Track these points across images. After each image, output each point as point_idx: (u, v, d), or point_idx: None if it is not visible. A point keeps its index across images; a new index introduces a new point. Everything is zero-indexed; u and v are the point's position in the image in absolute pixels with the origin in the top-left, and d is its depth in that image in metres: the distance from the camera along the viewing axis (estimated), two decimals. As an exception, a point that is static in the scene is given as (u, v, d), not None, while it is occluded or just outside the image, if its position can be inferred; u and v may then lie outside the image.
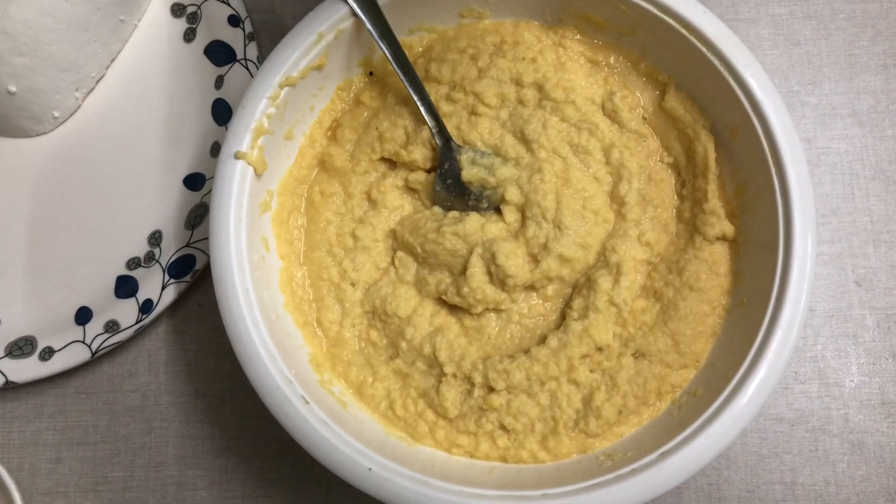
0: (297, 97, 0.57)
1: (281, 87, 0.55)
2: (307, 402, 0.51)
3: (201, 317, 0.65)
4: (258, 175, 0.55)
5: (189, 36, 0.68)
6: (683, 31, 0.55)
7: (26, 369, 0.62)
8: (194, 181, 0.65)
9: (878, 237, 0.64)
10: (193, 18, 0.68)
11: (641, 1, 0.55)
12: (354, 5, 0.55)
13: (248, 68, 0.65)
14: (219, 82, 0.66)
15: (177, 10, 0.68)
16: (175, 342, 0.65)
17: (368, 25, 0.56)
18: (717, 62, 0.55)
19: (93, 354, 0.62)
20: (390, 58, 0.56)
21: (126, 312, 0.63)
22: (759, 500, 0.61)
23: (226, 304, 0.52)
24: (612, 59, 0.60)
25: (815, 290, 0.64)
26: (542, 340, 0.56)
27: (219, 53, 0.66)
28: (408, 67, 0.57)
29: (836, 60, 0.67)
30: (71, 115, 0.67)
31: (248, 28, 0.66)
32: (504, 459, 0.55)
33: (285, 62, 0.55)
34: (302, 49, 0.55)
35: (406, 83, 0.57)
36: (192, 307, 0.65)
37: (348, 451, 0.50)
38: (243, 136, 0.54)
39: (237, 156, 0.54)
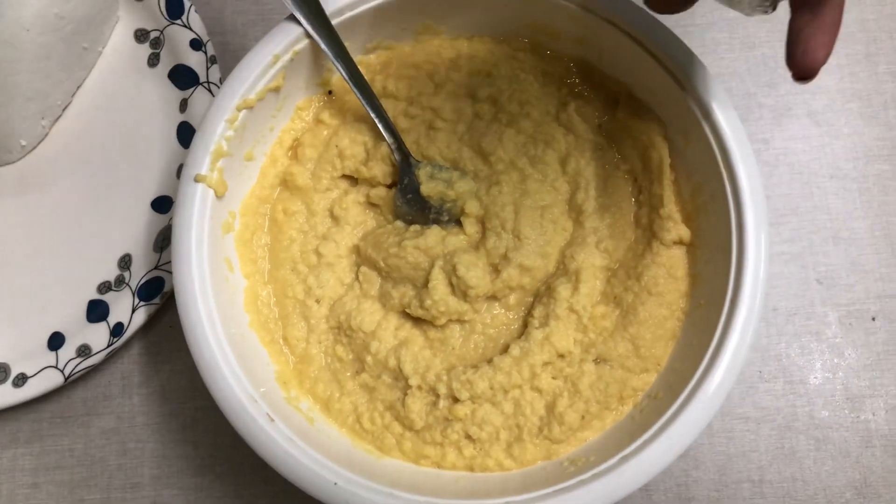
0: (256, 119, 0.58)
1: (238, 109, 0.56)
2: (272, 420, 0.52)
3: (172, 337, 0.66)
4: (219, 197, 0.56)
5: (153, 61, 0.69)
6: (632, 42, 0.56)
7: (0, 396, 0.62)
8: (161, 204, 0.66)
9: (837, 234, 0.65)
10: (157, 43, 0.68)
11: (590, 13, 0.56)
12: (308, 27, 0.56)
13: (210, 91, 0.66)
14: (183, 105, 0.67)
15: (140, 36, 0.69)
16: (148, 364, 0.66)
17: (323, 46, 0.57)
18: (666, 71, 0.55)
19: (66, 379, 0.62)
20: (346, 77, 0.57)
21: (98, 336, 0.63)
22: (728, 499, 0.61)
23: (189, 327, 0.53)
24: (565, 70, 0.61)
25: (777, 288, 0.64)
26: (506, 349, 0.57)
27: (182, 77, 0.67)
28: (364, 86, 0.58)
29: (792, 62, 0.68)
30: (39, 142, 0.68)
31: (210, 51, 0.67)
32: (471, 469, 0.56)
33: (242, 85, 0.56)
34: (258, 72, 0.56)
35: (363, 102, 0.58)
36: (163, 328, 0.66)
37: (314, 467, 0.51)
38: (202, 159, 0.55)
39: (197, 179, 0.55)
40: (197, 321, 0.53)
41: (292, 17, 0.56)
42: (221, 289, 0.56)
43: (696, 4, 0.69)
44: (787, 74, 0.67)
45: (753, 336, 0.52)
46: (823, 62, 0.42)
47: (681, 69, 0.55)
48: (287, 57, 0.57)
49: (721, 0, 0.38)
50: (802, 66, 0.43)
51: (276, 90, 0.58)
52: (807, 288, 0.64)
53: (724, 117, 0.54)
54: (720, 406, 0.51)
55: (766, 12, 0.42)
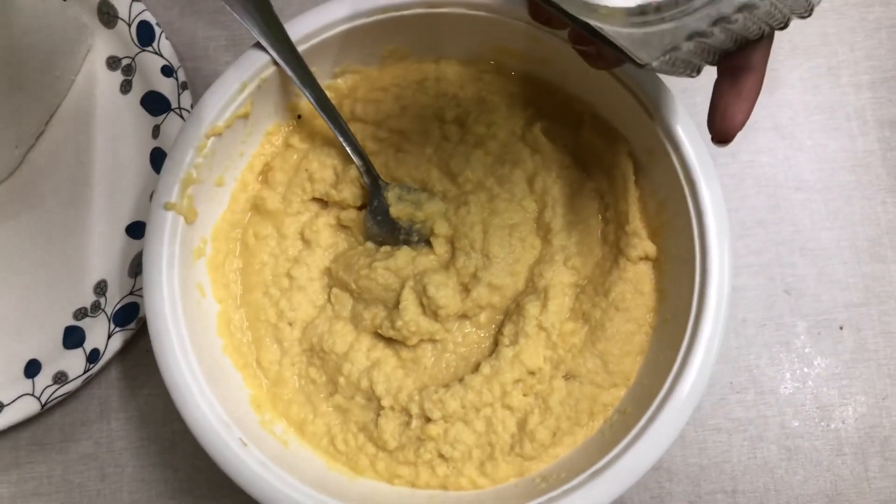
0: (226, 145, 0.58)
1: (207, 137, 0.56)
2: (245, 445, 0.53)
3: (149, 362, 0.65)
4: (189, 223, 0.56)
5: (125, 88, 0.69)
6: (594, 61, 0.57)
7: (-23, 425, 0.63)
8: (136, 229, 0.67)
9: (804, 245, 0.66)
10: (129, 70, 0.69)
11: (552, 35, 0.57)
12: (275, 54, 0.57)
13: (182, 117, 0.67)
14: (156, 132, 0.68)
15: (112, 63, 0.70)
16: (125, 388, 0.66)
17: (290, 73, 0.57)
18: (627, 90, 0.56)
19: (43, 406, 0.63)
20: (314, 103, 0.58)
21: (74, 363, 0.64)
22: (702, 509, 0.62)
23: (161, 354, 0.54)
24: (530, 90, 0.62)
25: (745, 300, 0.65)
26: (477, 368, 0.58)
27: (154, 104, 0.68)
28: (332, 111, 0.58)
29: (756, 76, 0.69)
30: (13, 170, 0.69)
31: (182, 77, 0.67)
32: (444, 487, 0.56)
33: (210, 113, 0.56)
34: (226, 99, 0.57)
35: (331, 126, 0.58)
36: (140, 353, 0.66)
37: (287, 490, 0.51)
38: (172, 187, 0.56)
39: (166, 207, 0.55)
40: (169, 347, 0.54)
41: (259, 45, 0.57)
42: (194, 314, 0.56)
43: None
44: (752, 88, 0.69)
45: (719, 349, 0.53)
46: (740, 127, 0.45)
47: (641, 88, 0.56)
48: (254, 84, 0.57)
49: (648, 68, 0.39)
50: (720, 131, 0.45)
51: (245, 117, 0.58)
52: (775, 299, 0.65)
53: (685, 135, 0.55)
54: (688, 420, 0.52)
55: (691, 76, 0.43)
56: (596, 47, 0.45)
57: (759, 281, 0.66)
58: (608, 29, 0.37)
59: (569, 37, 0.46)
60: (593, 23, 0.37)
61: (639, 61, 0.38)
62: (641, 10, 0.37)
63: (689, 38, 0.38)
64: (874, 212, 0.66)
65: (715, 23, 0.38)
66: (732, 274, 0.54)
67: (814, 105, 0.68)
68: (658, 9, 0.37)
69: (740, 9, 0.38)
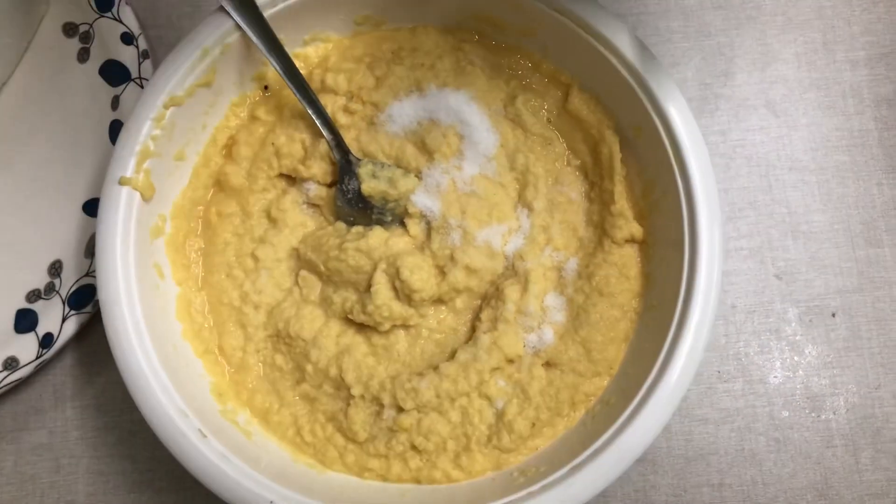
0: (187, 116, 0.55)
1: (166, 107, 0.53)
2: (204, 436, 0.49)
3: (107, 347, 0.61)
4: (146, 200, 0.53)
5: (83, 56, 0.65)
6: (581, 31, 0.54)
7: (-78, 413, 0.59)
8: (94, 207, 0.62)
9: (796, 228, 0.63)
10: (86, 38, 0.65)
11: (538, 2, 0.54)
12: (239, 19, 0.53)
13: (143, 87, 0.63)
14: (115, 103, 0.64)
15: (69, 30, 0.66)
16: (81, 375, 0.62)
17: (255, 39, 0.54)
18: (614, 61, 0.53)
19: (-8, 394, 0.59)
20: (281, 72, 0.54)
21: (26, 348, 0.60)
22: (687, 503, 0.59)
23: (115, 339, 0.50)
24: (513, 62, 0.59)
25: (735, 285, 0.62)
26: (453, 355, 0.55)
27: (114, 73, 0.64)
28: (300, 81, 0.55)
29: (748, 51, 0.66)
30: (-38, 143, 0.64)
31: (143, 45, 0.63)
32: (417, 480, 0.53)
33: (169, 81, 0.53)
34: (186, 67, 0.53)
35: (300, 97, 0.55)
36: (97, 337, 0.63)
37: (248, 484, 0.48)
38: (127, 160, 0.52)
39: (121, 182, 0.52)
40: (123, 332, 0.51)
41: (222, 8, 0.53)
42: (151, 297, 0.53)
43: (650, -7, 0.67)
44: (744, 63, 0.66)
45: (708, 337, 0.50)
46: None
47: (629, 59, 0.53)
48: (217, 51, 0.54)
49: None
50: None
51: (207, 86, 0.55)
52: (766, 284, 0.63)
53: (675, 109, 0.52)
54: (674, 411, 0.49)
55: None
56: None
57: (750, 265, 0.63)
58: None
59: None
60: None
61: None
62: None
63: None
64: (869, 194, 0.64)
65: None
66: (724, 257, 0.51)
67: (808, 82, 0.65)
68: None
69: None
